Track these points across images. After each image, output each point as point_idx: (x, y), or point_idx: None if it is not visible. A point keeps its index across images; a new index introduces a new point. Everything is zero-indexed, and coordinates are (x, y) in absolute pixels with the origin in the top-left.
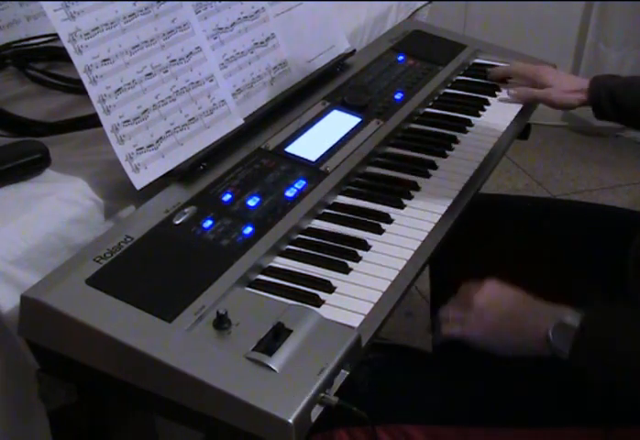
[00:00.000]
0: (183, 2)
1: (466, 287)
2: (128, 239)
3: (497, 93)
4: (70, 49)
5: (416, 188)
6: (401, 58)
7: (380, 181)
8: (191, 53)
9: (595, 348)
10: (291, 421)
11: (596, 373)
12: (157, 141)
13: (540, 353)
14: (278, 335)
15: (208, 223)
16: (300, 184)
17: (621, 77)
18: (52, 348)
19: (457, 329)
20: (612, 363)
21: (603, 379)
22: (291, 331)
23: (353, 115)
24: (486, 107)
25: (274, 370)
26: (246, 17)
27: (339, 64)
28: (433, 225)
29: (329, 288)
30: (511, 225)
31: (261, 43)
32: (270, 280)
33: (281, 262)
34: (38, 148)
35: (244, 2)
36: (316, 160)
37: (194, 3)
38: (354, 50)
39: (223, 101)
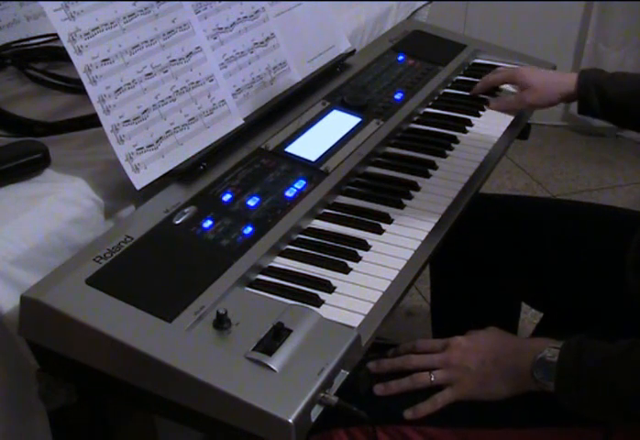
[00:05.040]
0: (183, 2)
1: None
2: (128, 239)
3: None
4: (70, 49)
5: (416, 188)
6: (401, 58)
7: (380, 181)
8: (191, 53)
9: (578, 383)
10: (291, 421)
11: (584, 406)
12: (157, 141)
13: (530, 389)
14: (278, 335)
15: (208, 223)
16: (300, 184)
17: (607, 72)
18: (52, 348)
19: (450, 393)
20: (597, 396)
21: (592, 412)
22: (291, 331)
23: (353, 115)
24: (486, 107)
25: (274, 370)
26: (246, 17)
27: (339, 64)
28: (433, 225)
29: (329, 288)
30: (511, 225)
31: (261, 43)
32: (270, 280)
33: (281, 262)
34: (38, 148)
35: (244, 2)
36: (316, 160)
37: (194, 3)
38: (354, 50)
39: (223, 101)
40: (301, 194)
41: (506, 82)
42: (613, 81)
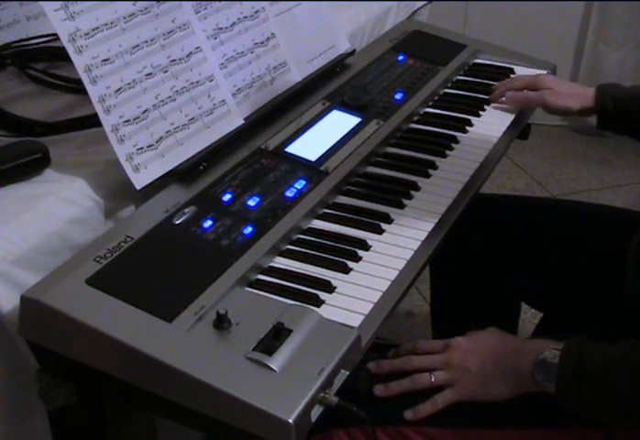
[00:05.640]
0: (183, 2)
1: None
2: (128, 239)
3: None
4: (70, 49)
5: (416, 188)
6: (401, 58)
7: (380, 181)
8: (191, 53)
9: (578, 385)
10: (291, 421)
11: (585, 408)
12: (157, 141)
13: (531, 390)
14: (278, 335)
15: (208, 223)
16: (300, 184)
17: (623, 85)
18: (52, 348)
19: (451, 394)
20: (597, 397)
21: (593, 414)
22: (291, 331)
23: (353, 115)
24: (486, 107)
25: (274, 370)
26: (246, 17)
27: (339, 64)
28: (433, 225)
29: (329, 288)
30: (511, 225)
31: (261, 43)
32: (270, 280)
33: (281, 262)
34: (38, 148)
35: (244, 2)
36: (316, 160)
37: (194, 3)
38: (354, 50)
39: (223, 101)
40: (301, 194)
41: (526, 88)
42: (630, 92)
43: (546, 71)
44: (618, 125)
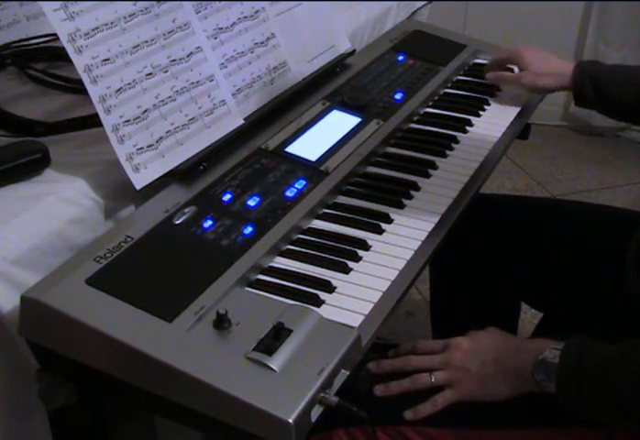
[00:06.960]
0: (183, 2)
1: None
2: (128, 239)
3: (497, 92)
4: (69, 49)
5: (416, 188)
6: (401, 58)
7: (380, 181)
8: (191, 53)
9: (579, 384)
10: (291, 421)
11: (585, 408)
12: (157, 141)
13: (531, 390)
14: (278, 334)
15: (208, 223)
16: (300, 184)
17: (604, 64)
18: (52, 348)
19: (451, 394)
20: (597, 397)
21: (593, 414)
22: (291, 331)
23: (353, 115)
24: (486, 107)
25: (274, 370)
26: (246, 17)
27: (339, 64)
28: (433, 225)
29: (329, 288)
30: (511, 225)
31: (261, 43)
32: (270, 280)
33: (281, 262)
34: (38, 148)
35: (244, 2)
36: (316, 160)
37: (194, 3)
38: (354, 50)
39: (223, 101)
40: (301, 194)
41: (508, 62)
42: (609, 73)
43: None
44: (595, 103)
